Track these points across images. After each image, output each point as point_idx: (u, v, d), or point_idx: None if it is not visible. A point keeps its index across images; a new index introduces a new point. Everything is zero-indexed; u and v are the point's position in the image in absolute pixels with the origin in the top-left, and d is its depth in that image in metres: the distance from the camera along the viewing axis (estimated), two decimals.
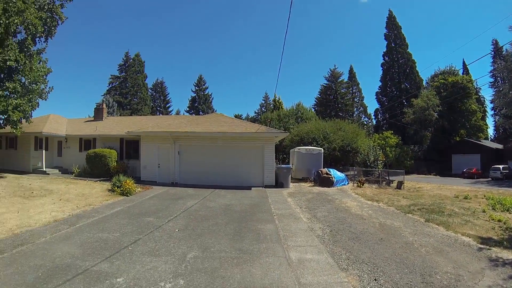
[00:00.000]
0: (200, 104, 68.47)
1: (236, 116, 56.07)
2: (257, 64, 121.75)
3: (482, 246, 7.17)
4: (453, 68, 53.25)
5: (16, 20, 14.16)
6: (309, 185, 20.08)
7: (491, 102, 55.78)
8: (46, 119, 24.55)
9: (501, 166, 34.32)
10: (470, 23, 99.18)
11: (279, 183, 18.34)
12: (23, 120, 16.70)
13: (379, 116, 62.19)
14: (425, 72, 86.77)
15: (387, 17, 59.16)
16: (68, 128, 25.71)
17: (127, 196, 13.91)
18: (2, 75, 15.94)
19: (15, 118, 15.46)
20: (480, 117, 49.09)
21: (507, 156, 40.04)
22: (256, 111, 75.46)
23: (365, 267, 5.80)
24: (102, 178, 19.07)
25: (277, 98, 52.45)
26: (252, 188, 17.32)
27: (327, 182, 18.99)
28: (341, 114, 61.73)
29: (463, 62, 59.29)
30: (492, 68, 51.12)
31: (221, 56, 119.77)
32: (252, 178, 18.37)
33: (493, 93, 52.76)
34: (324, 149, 25.23)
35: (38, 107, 17.27)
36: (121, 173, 16.67)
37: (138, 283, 4.94)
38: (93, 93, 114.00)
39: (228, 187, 17.14)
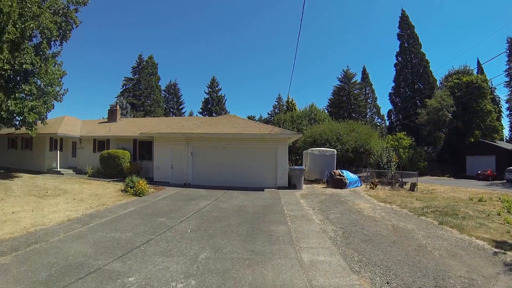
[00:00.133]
0: (213, 105, 68.65)
1: (249, 118, 56.13)
2: (270, 66, 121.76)
3: (496, 250, 6.98)
4: (467, 68, 52.25)
5: (31, 25, 14.44)
6: (322, 186, 19.97)
7: (506, 102, 55.05)
8: (61, 121, 24.92)
9: None
10: (484, 21, 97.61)
11: (292, 185, 18.24)
12: (38, 122, 16.94)
13: (392, 117, 61.57)
14: (438, 72, 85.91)
15: (399, 16, 58.47)
16: (82, 129, 26.03)
17: (140, 196, 14.02)
18: (18, 78, 16.23)
19: (30, 120, 15.69)
20: (495, 117, 48.02)
21: None
22: (269, 113, 75.54)
23: (378, 269, 5.72)
24: (115, 179, 19.25)
25: (290, 100, 52.32)
26: (265, 189, 17.27)
27: (340, 183, 18.87)
28: (354, 115, 61.39)
29: (478, 61, 58.22)
30: (507, 67, 49.99)
31: (234, 57, 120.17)
32: (265, 180, 18.31)
33: (509, 92, 51.98)
34: (337, 151, 25.07)
35: (53, 108, 17.47)
36: (134, 174, 16.80)
37: (150, 282, 4.95)
38: (107, 95, 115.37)
39: (241, 188, 17.11)
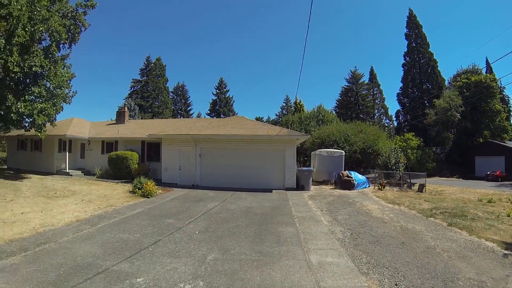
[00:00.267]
0: (221, 107, 68.76)
1: (257, 119, 56.17)
2: (278, 67, 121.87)
3: (506, 252, 6.87)
4: (476, 67, 51.47)
5: (41, 28, 14.60)
6: (330, 187, 19.91)
7: None
8: (69, 123, 25.15)
9: None
10: (493, 19, 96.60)
11: (300, 186, 18.21)
12: (48, 123, 17.08)
13: (401, 118, 61.13)
14: (447, 72, 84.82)
15: (407, 16, 57.86)
16: (90, 131, 26.26)
17: (148, 197, 14.08)
18: (28, 80, 16.42)
19: (40, 122, 15.85)
20: (504, 117, 47.27)
21: None
22: (277, 114, 75.50)
23: (386, 271, 5.67)
24: (123, 180, 19.38)
25: (298, 101, 52.27)
26: (273, 190, 17.24)
27: (348, 184, 18.79)
28: (362, 116, 61.12)
29: (486, 60, 57.29)
30: None
31: (242, 59, 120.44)
32: (273, 181, 18.29)
33: None
34: (345, 152, 24.99)
35: (62, 110, 17.62)
36: (142, 175, 16.95)
37: (158, 283, 4.95)
38: (115, 97, 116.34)
39: (249, 190, 17.10)
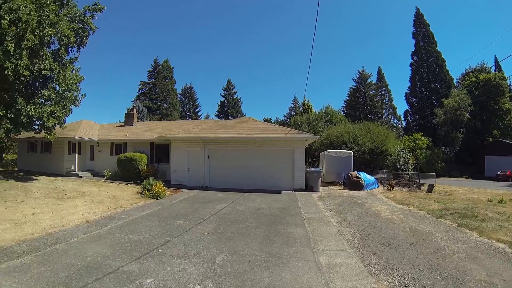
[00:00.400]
0: (229, 108, 68.75)
1: (265, 120, 56.04)
2: (286, 68, 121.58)
3: None
4: (484, 66, 51.05)
5: (49, 32, 14.74)
6: (339, 188, 19.83)
7: None
8: (79, 125, 25.35)
9: None
10: (501, 17, 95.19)
11: (309, 187, 18.16)
12: (57, 126, 17.26)
13: (409, 118, 60.73)
14: (455, 70, 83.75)
15: (414, 15, 57.57)
16: (100, 133, 26.46)
17: (157, 199, 14.15)
18: (37, 84, 16.66)
19: (50, 124, 16.05)
20: None
21: None
22: (285, 115, 75.21)
23: (396, 272, 5.61)
24: (132, 181, 19.48)
25: (306, 102, 52.19)
26: (282, 191, 17.21)
27: (357, 185, 18.70)
28: (370, 116, 60.76)
29: (495, 59, 56.90)
30: None
31: (250, 60, 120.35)
32: (282, 182, 18.26)
33: None
34: (353, 152, 24.90)
35: (71, 113, 17.78)
36: (151, 177, 17.00)
37: (167, 284, 4.95)
38: (123, 99, 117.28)
39: (258, 191, 17.07)
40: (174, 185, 18.54)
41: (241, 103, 71.69)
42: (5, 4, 13.25)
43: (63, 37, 15.68)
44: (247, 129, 20.20)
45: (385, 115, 66.02)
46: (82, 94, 18.17)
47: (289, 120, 59.61)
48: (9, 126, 15.10)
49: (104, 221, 9.50)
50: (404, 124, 62.56)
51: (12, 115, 14.78)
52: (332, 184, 21.70)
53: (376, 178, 21.29)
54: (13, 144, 33.68)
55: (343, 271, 5.67)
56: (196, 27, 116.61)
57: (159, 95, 64.21)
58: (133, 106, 42.03)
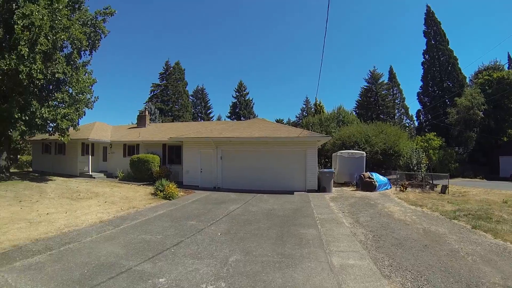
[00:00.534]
0: (241, 109, 68.65)
1: (277, 121, 55.93)
2: (297, 69, 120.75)
3: None
4: (497, 63, 49.91)
5: (62, 36, 15.05)
6: (351, 189, 19.69)
7: None
8: (92, 127, 25.67)
9: None
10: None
11: (321, 188, 18.06)
12: (71, 128, 17.52)
13: (421, 117, 59.81)
14: (468, 69, 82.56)
15: (425, 13, 56.39)
16: (112, 135, 26.76)
17: (170, 200, 14.23)
18: (51, 87, 17.03)
19: (63, 126, 16.32)
20: None
21: None
22: (297, 116, 74.73)
23: (409, 274, 5.54)
24: (145, 182, 19.62)
25: (318, 102, 51.98)
26: (295, 192, 17.14)
27: (369, 186, 18.54)
28: (382, 116, 60.16)
29: (508, 56, 55.48)
30: None
31: (261, 61, 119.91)
32: (295, 183, 18.19)
33: None
34: (366, 153, 24.69)
35: (84, 115, 18.06)
36: (164, 178, 17.12)
37: (180, 284, 4.97)
38: (135, 101, 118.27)
39: (270, 192, 17.03)
40: (186, 186, 18.62)
41: (253, 104, 71.36)
42: (18, 10, 13.56)
43: (75, 41, 15.98)
44: (260, 130, 20.17)
45: (397, 115, 65.27)
46: (95, 97, 18.46)
47: (301, 121, 59.33)
48: (24, 128, 15.37)
49: (117, 221, 9.59)
50: (416, 124, 61.76)
51: (27, 118, 15.05)
52: (345, 185, 21.56)
53: (388, 179, 21.08)
54: (28, 145, 34.16)
55: (356, 272, 5.62)
56: (207, 30, 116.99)
57: (171, 97, 64.50)
58: (145, 108, 42.27)
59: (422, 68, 57.46)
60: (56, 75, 15.56)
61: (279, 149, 18.70)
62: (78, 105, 17.21)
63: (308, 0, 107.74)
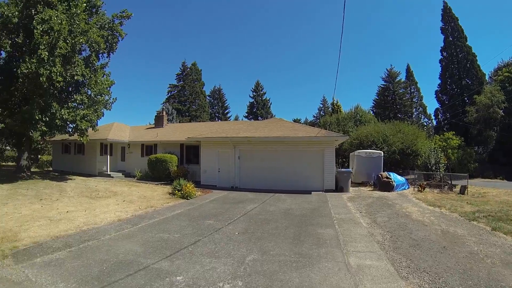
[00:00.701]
0: (258, 109, 68.46)
1: (295, 121, 55.70)
2: (314, 68, 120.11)
3: None
4: None
5: (81, 40, 15.37)
6: (368, 189, 19.48)
7: None
8: (110, 127, 26.08)
9: None
10: None
11: (339, 187, 17.91)
12: (90, 129, 17.86)
13: (440, 116, 58.62)
14: (487, 65, 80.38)
15: (442, 9, 55.21)
16: (130, 135, 27.13)
17: (187, 199, 14.33)
18: (70, 89, 17.42)
19: (83, 127, 16.71)
20: None
21: None
22: (315, 115, 74.30)
23: (426, 276, 5.44)
24: (163, 182, 19.83)
25: (335, 102, 51.63)
26: (312, 192, 17.07)
27: (387, 186, 18.32)
28: (400, 115, 59.29)
29: None
30: None
31: (279, 60, 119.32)
32: (312, 183, 18.10)
33: None
34: (383, 152, 24.40)
35: (103, 116, 18.43)
36: (181, 177, 17.27)
37: (197, 282, 5.00)
38: (153, 102, 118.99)
39: (288, 192, 16.96)
40: (204, 186, 18.72)
41: (270, 104, 70.89)
42: (38, 15, 13.91)
43: (93, 44, 16.27)
44: (277, 129, 20.13)
45: (415, 114, 64.21)
46: (113, 98, 18.78)
47: (318, 120, 58.99)
48: (45, 129, 15.69)
49: (135, 220, 9.70)
50: (434, 123, 60.54)
51: (47, 119, 15.40)
52: (362, 185, 21.34)
53: (406, 179, 20.79)
54: (48, 146, 34.88)
55: (373, 273, 5.57)
56: (224, 31, 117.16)
57: (188, 97, 64.90)
58: (163, 109, 42.74)
59: (440, 66, 56.16)
60: (75, 78, 15.93)
61: (296, 149, 18.62)
62: (96, 106, 17.56)
63: (326, 4, 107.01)
